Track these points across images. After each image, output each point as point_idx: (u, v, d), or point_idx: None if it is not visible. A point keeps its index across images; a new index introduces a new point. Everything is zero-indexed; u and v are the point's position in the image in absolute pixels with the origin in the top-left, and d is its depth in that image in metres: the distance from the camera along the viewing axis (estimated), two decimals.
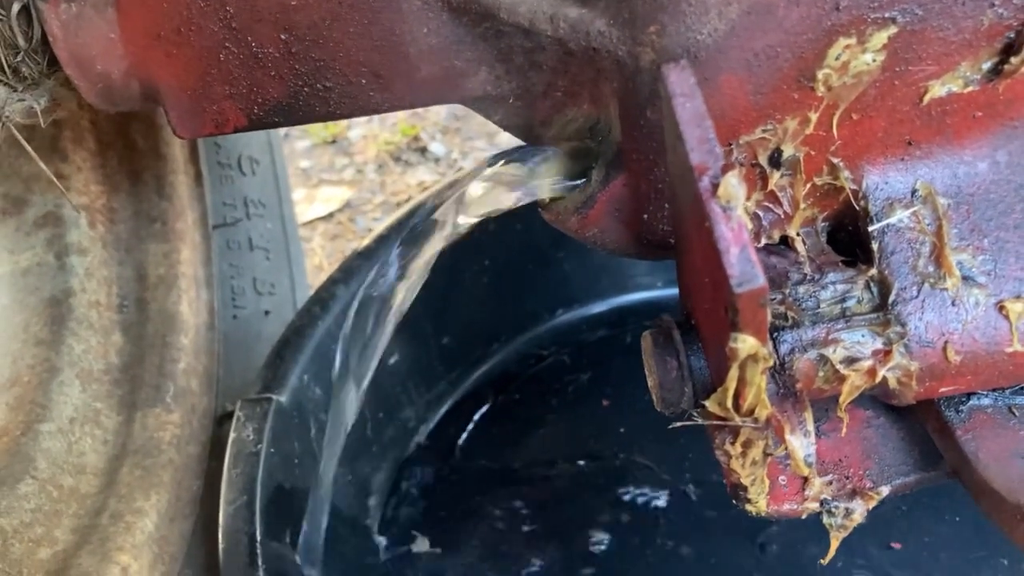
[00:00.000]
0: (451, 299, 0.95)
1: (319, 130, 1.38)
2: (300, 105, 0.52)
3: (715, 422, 0.42)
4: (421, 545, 0.83)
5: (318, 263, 1.17)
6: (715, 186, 0.36)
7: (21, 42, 0.50)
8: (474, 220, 0.51)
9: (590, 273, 1.06)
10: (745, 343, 0.37)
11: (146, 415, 0.73)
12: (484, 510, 0.87)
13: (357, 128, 1.39)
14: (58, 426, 0.69)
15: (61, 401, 0.71)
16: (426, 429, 0.94)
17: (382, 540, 0.82)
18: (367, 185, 1.30)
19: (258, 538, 0.63)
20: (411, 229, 0.50)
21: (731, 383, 0.40)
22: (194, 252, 0.83)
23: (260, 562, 0.61)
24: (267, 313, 0.88)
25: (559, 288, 1.05)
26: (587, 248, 1.06)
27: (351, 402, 0.52)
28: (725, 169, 0.36)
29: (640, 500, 0.86)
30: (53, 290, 0.77)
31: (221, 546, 0.63)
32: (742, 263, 0.35)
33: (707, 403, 0.41)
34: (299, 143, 1.38)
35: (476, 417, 0.96)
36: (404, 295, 0.50)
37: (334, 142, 1.37)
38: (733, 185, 0.36)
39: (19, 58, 0.50)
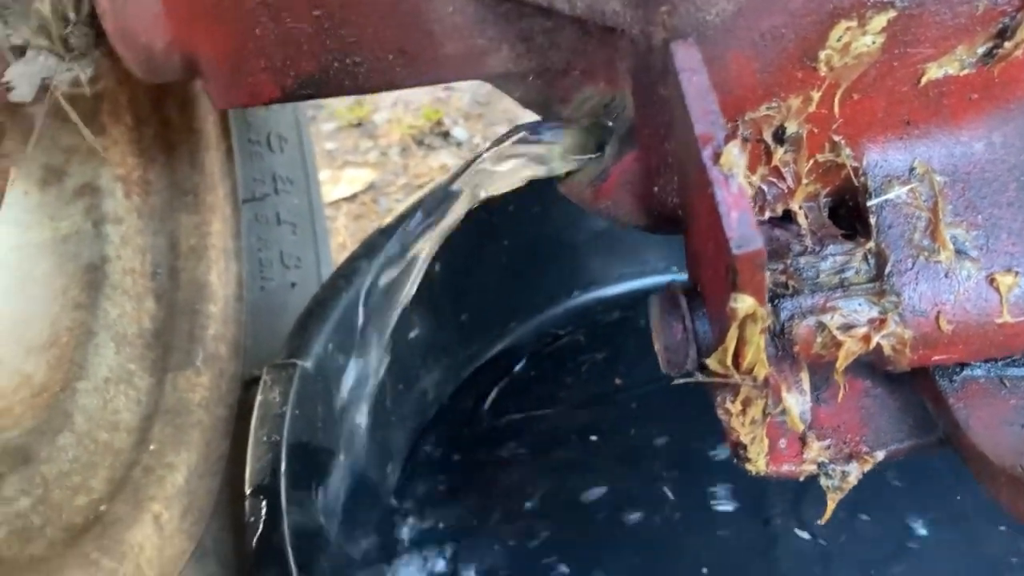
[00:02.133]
0: (470, 278, 0.98)
1: (345, 113, 1.41)
2: (330, 79, 0.55)
3: (717, 380, 0.45)
4: (435, 510, 0.86)
5: (342, 241, 1.21)
6: (717, 155, 0.38)
7: (71, 14, 0.53)
8: (493, 194, 0.54)
9: (605, 256, 1.08)
10: (744, 303, 0.40)
11: (176, 377, 0.76)
12: (497, 481, 0.90)
13: (382, 112, 1.42)
14: (94, 385, 0.73)
15: (97, 362, 0.75)
16: (443, 402, 0.97)
17: (399, 504, 0.86)
18: (391, 168, 1.33)
19: (283, 495, 0.66)
20: (430, 199, 0.53)
21: (731, 342, 0.42)
22: (224, 224, 0.86)
23: (284, 517, 0.65)
24: (293, 286, 0.91)
25: (575, 270, 1.07)
26: (603, 231, 1.08)
27: (374, 361, 0.55)
28: (727, 139, 0.39)
29: (649, 475, 0.89)
30: (90, 256, 0.80)
31: (248, 502, 0.66)
32: (741, 227, 0.38)
33: (708, 361, 0.44)
34: (325, 125, 1.41)
35: (492, 392, 0.99)
36: (421, 262, 0.53)
37: (359, 125, 1.40)
38: (734, 154, 0.38)
39: (69, 29, 0.54)
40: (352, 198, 1.27)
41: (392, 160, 1.34)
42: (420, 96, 1.43)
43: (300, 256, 0.93)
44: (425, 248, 0.53)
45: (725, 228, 0.38)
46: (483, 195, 0.53)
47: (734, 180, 0.38)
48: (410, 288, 0.53)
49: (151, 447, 0.70)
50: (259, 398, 0.72)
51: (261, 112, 0.93)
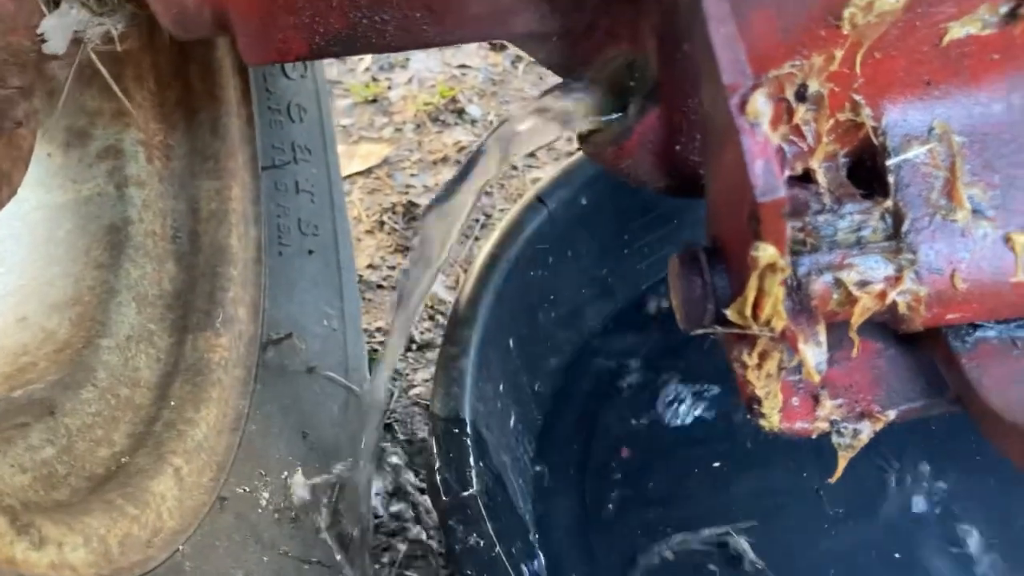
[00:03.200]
0: (516, 331, 0.92)
1: (360, 89, 1.42)
2: (358, 36, 0.55)
3: (734, 331, 0.45)
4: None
5: (356, 214, 1.21)
6: (743, 104, 0.39)
7: None
8: (522, 153, 0.55)
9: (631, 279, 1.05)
10: (765, 251, 0.41)
11: (196, 337, 0.77)
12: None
13: (397, 89, 1.42)
14: (116, 342, 0.74)
15: (118, 320, 0.76)
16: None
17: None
18: (405, 143, 1.34)
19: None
20: (465, 161, 0.54)
21: (750, 292, 0.43)
22: (244, 190, 0.87)
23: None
24: (310, 253, 0.92)
25: (605, 301, 1.04)
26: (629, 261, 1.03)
27: (413, 309, 0.57)
28: (754, 88, 0.39)
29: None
30: (113, 218, 0.81)
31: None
32: (766, 175, 0.39)
33: (728, 311, 0.45)
34: (340, 101, 1.42)
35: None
36: (462, 216, 0.54)
37: (374, 101, 1.41)
38: (760, 103, 0.39)
39: None
40: (367, 172, 1.28)
41: (407, 136, 1.35)
42: (435, 73, 1.44)
43: (318, 224, 0.94)
44: (467, 202, 0.54)
45: (750, 176, 0.39)
46: (513, 154, 0.54)
47: (759, 129, 0.39)
48: (454, 236, 0.55)
49: (171, 403, 0.71)
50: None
51: (282, 81, 0.94)
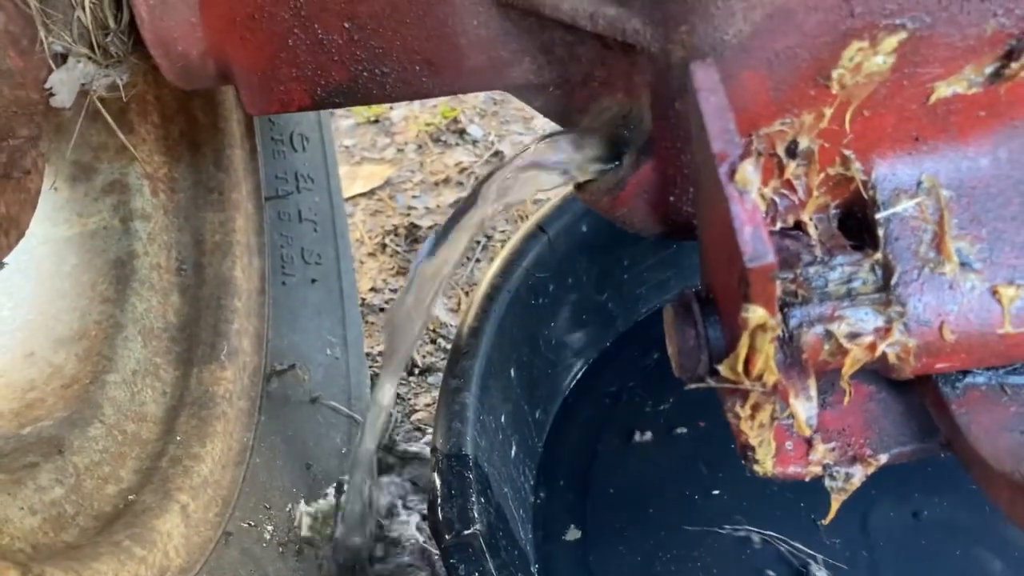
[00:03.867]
0: (518, 360, 0.92)
1: (362, 110, 1.43)
2: (359, 88, 0.57)
3: (727, 385, 0.46)
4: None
5: (359, 237, 1.23)
6: (733, 172, 0.40)
7: (111, 23, 0.55)
8: (517, 202, 0.56)
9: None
10: (755, 313, 0.42)
11: (201, 370, 0.78)
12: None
13: (399, 109, 1.44)
14: (122, 377, 0.75)
15: (125, 355, 0.77)
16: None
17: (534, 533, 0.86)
18: (407, 164, 1.35)
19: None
20: (457, 209, 0.56)
21: (742, 350, 0.44)
22: (248, 221, 0.88)
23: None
24: (313, 281, 0.93)
25: (605, 326, 1.04)
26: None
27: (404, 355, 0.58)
28: (743, 157, 0.41)
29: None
30: (118, 252, 0.83)
31: None
32: (755, 241, 0.40)
33: (720, 368, 0.46)
34: (343, 122, 1.43)
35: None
36: (451, 261, 0.55)
37: (376, 122, 1.42)
38: (749, 171, 0.40)
39: (108, 38, 0.56)
40: (369, 194, 1.29)
41: (409, 157, 1.36)
42: None
43: (321, 252, 0.95)
44: (456, 250, 0.55)
45: (739, 242, 0.40)
46: (507, 201, 0.55)
47: (748, 196, 0.40)
48: (442, 281, 0.56)
49: (177, 438, 0.73)
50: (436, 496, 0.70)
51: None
